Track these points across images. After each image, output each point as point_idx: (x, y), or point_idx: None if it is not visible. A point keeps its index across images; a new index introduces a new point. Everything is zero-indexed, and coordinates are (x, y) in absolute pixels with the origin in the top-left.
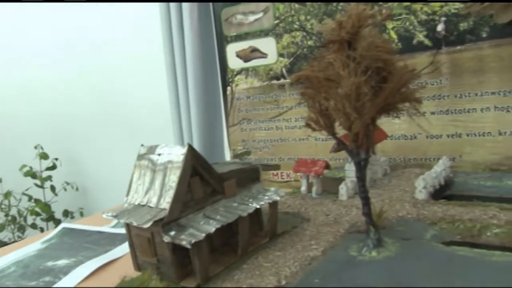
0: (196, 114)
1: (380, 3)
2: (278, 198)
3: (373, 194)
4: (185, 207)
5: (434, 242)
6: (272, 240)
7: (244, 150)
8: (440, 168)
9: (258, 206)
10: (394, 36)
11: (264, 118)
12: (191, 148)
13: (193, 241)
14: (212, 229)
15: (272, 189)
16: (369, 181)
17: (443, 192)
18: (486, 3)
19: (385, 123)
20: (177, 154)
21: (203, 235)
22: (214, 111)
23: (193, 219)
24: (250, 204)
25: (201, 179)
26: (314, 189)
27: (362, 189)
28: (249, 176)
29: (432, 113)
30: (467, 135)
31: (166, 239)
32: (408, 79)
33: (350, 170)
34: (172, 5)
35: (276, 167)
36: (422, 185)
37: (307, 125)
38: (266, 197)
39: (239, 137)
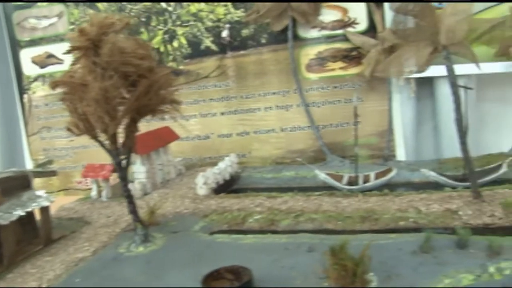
0: None
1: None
2: (48, 204)
3: (161, 193)
4: None
5: (201, 233)
6: (46, 246)
7: (46, 159)
8: (224, 165)
9: (22, 214)
10: (184, 41)
11: (64, 125)
12: None
13: None
14: None
15: (44, 195)
16: (162, 181)
17: (229, 187)
18: (262, 12)
19: (179, 124)
20: None
21: None
22: (11, 120)
23: None
24: (15, 212)
25: None
26: (104, 193)
27: (125, 188)
28: (18, 184)
29: (222, 113)
30: (254, 132)
31: None
32: (164, 83)
33: (139, 172)
34: None
35: (52, 173)
36: (202, 181)
37: (68, 130)
38: (35, 204)
39: (40, 146)
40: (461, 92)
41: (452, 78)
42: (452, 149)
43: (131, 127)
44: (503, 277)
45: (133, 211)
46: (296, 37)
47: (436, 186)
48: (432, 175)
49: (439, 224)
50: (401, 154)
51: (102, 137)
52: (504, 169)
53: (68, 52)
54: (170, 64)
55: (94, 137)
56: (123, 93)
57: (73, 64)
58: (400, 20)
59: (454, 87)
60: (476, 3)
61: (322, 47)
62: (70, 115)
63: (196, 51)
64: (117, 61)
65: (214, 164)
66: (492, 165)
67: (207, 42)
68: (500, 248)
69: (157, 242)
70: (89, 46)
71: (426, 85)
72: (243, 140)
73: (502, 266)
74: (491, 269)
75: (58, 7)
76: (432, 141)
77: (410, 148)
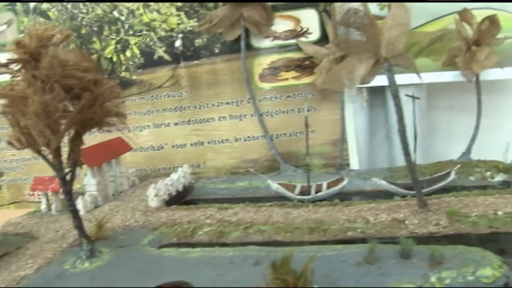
0: None
1: None
2: None
3: (112, 205)
4: None
5: (149, 247)
6: None
7: None
8: (176, 176)
9: None
10: (136, 51)
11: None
12: None
13: None
14: None
15: None
16: (114, 193)
17: (182, 198)
18: (215, 22)
19: (127, 136)
20: None
21: None
22: None
23: None
24: None
25: None
26: (53, 206)
27: (70, 203)
28: None
29: (176, 123)
30: (208, 142)
31: None
32: (109, 95)
33: (89, 184)
34: None
35: None
36: (154, 193)
37: (9, 144)
38: None
39: None
40: (409, 101)
41: (393, 90)
42: (402, 157)
43: (76, 140)
44: (444, 287)
45: (78, 226)
46: (249, 47)
47: (387, 195)
48: (382, 183)
49: (386, 234)
50: (354, 162)
51: (45, 150)
52: (452, 176)
53: (5, 65)
54: (123, 74)
55: (37, 151)
56: (66, 106)
57: (13, 76)
58: (343, 33)
59: (396, 98)
60: (418, 17)
61: (275, 57)
62: (11, 129)
63: (149, 61)
64: (58, 74)
65: (169, 175)
66: (441, 173)
67: (160, 52)
68: (442, 258)
69: (104, 257)
70: (28, 59)
71: (378, 94)
72: (197, 151)
73: (443, 276)
74: (433, 278)
75: (7, 14)
76: (385, 149)
77: (363, 156)
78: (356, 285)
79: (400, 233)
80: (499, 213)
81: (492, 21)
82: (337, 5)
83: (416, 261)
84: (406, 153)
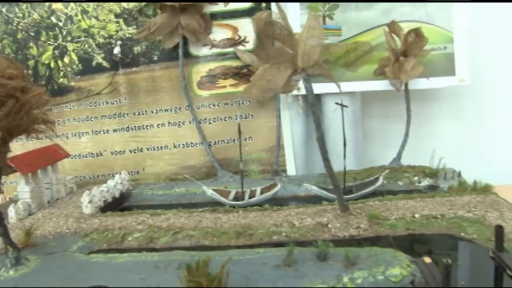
0: None
1: None
2: None
3: (46, 213)
4: None
5: (78, 253)
6: None
7: None
8: (113, 182)
9: None
10: (75, 57)
11: None
12: None
13: None
14: None
15: None
16: (50, 200)
17: (119, 205)
18: (153, 30)
19: (71, 142)
20: None
21: None
22: None
23: None
24: None
25: None
26: None
27: None
28: None
29: (114, 130)
30: (148, 149)
31: None
32: (35, 102)
33: (23, 191)
34: None
35: None
36: (88, 200)
37: None
38: None
39: None
40: (338, 109)
41: (311, 98)
42: (338, 163)
43: (1, 147)
44: (355, 286)
45: (4, 233)
46: (188, 55)
47: (319, 199)
48: (314, 189)
49: (310, 237)
50: (291, 168)
51: None
52: (380, 181)
53: None
54: (61, 80)
55: None
56: None
57: None
58: (262, 43)
59: (314, 107)
60: (351, 28)
61: (213, 65)
62: None
63: (88, 68)
64: None
65: (107, 181)
66: (371, 178)
67: (99, 58)
68: (356, 259)
69: (30, 265)
70: None
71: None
72: (137, 157)
73: (355, 276)
74: (345, 279)
75: None
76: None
77: (300, 162)
78: (272, 285)
79: (323, 236)
80: (416, 215)
81: (417, 33)
82: (258, 16)
83: (332, 263)
84: (325, 159)
